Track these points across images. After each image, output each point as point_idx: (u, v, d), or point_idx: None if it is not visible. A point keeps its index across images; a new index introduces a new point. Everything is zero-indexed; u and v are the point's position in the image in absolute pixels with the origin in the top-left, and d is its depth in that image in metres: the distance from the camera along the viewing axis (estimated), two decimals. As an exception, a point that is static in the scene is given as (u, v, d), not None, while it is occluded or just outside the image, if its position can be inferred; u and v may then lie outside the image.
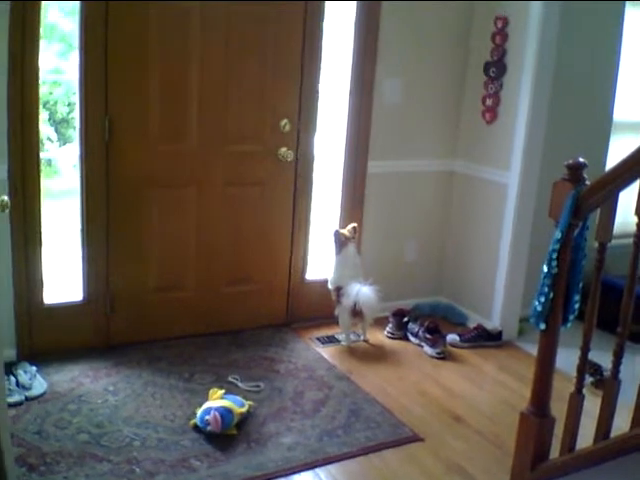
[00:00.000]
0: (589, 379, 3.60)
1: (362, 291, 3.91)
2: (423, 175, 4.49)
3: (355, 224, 4.15)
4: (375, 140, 4.22)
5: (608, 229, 2.23)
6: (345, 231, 4.10)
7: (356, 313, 3.96)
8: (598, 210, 2.28)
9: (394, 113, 4.25)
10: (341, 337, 4.11)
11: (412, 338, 4.20)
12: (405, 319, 4.27)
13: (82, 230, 3.57)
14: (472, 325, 4.33)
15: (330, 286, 4.12)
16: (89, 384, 3.34)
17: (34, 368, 3.35)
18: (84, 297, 3.65)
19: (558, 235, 2.25)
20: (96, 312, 3.66)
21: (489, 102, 4.25)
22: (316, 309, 4.22)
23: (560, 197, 2.27)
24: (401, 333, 4.25)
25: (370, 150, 4.23)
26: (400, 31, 4.12)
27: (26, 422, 2.96)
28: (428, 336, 4.06)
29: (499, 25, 4.12)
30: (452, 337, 4.18)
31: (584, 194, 2.22)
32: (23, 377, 3.22)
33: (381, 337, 4.22)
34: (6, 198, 2.57)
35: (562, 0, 3.93)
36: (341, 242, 4.06)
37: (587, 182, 2.28)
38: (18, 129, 3.26)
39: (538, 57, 3.93)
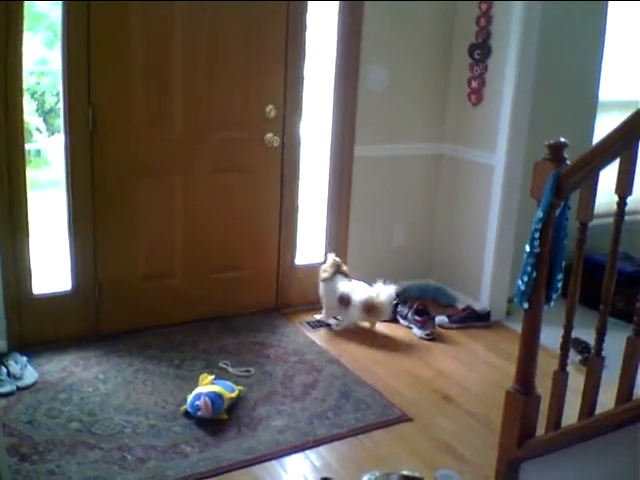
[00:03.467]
0: (577, 357, 3.65)
1: (383, 292, 3.98)
2: (410, 158, 4.50)
3: (336, 258, 4.14)
4: (361, 124, 4.23)
5: (589, 209, 2.24)
6: (327, 266, 4.10)
7: (369, 309, 3.98)
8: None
9: (380, 96, 4.25)
10: (332, 321, 4.13)
11: (401, 320, 4.23)
12: (395, 301, 4.29)
13: (69, 220, 3.57)
14: (461, 306, 4.37)
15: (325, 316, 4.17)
16: (80, 373, 3.36)
17: (25, 358, 3.36)
18: (72, 287, 3.66)
19: (540, 215, 2.26)
20: (85, 301, 3.67)
21: (474, 84, 4.25)
22: (305, 294, 4.24)
23: (541, 177, 2.28)
24: (391, 316, 4.27)
25: (357, 134, 4.23)
26: (384, 14, 4.11)
27: (18, 412, 2.98)
28: (417, 318, 4.09)
29: (483, 7, 4.12)
30: (441, 318, 4.21)
31: (565, 174, 2.23)
32: (14, 367, 3.24)
33: (374, 327, 4.23)
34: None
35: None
36: (336, 272, 4.08)
37: (568, 162, 2.29)
38: (2, 120, 3.25)
39: (522, 39, 3.93)
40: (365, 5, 4.03)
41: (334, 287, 4.06)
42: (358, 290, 4.01)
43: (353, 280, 4.10)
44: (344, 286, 4.04)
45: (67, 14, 3.31)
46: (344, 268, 4.13)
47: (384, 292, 3.99)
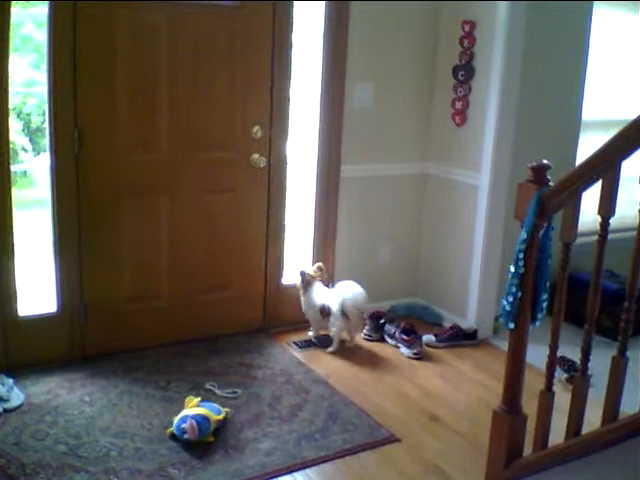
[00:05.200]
0: (563, 375, 3.66)
1: (350, 290, 3.99)
2: (396, 178, 4.52)
3: (321, 263, 4.20)
4: (347, 144, 4.25)
5: (572, 229, 2.27)
6: (311, 271, 4.14)
7: (345, 313, 3.98)
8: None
9: (365, 117, 4.28)
10: (333, 346, 4.10)
11: (389, 340, 4.23)
12: (382, 321, 4.30)
13: (54, 241, 3.56)
14: (448, 325, 4.37)
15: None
16: (65, 395, 3.33)
17: (11, 380, 3.33)
18: (58, 308, 3.63)
19: (524, 236, 2.28)
20: (70, 323, 3.65)
21: (458, 105, 4.29)
22: (293, 313, 4.23)
23: (525, 198, 2.31)
24: (378, 335, 4.28)
25: (343, 154, 4.25)
26: (369, 35, 4.15)
27: (5, 433, 2.95)
28: (404, 337, 4.10)
29: (466, 29, 4.17)
30: (428, 337, 4.21)
31: (548, 195, 2.26)
32: (0, 389, 3.20)
33: (358, 339, 4.24)
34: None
35: (529, 0, 3.99)
36: (307, 282, 4.11)
37: (551, 183, 2.31)
38: (-12, 141, 3.25)
39: (506, 59, 3.98)
40: (350, 25, 4.06)
41: (311, 300, 4.08)
42: (334, 296, 4.01)
43: (336, 284, 4.13)
44: (321, 297, 4.05)
45: (53, 36, 3.32)
46: (316, 275, 4.13)
47: (351, 291, 3.99)
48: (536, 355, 2.63)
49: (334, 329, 4.04)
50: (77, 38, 3.36)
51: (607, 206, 2.15)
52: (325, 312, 4.03)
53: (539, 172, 2.29)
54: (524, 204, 2.29)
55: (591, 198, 2.29)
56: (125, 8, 3.46)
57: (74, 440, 2.95)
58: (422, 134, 4.53)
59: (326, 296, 4.05)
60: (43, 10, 3.32)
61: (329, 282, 4.22)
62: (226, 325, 4.11)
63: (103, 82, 3.49)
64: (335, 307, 3.96)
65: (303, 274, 4.12)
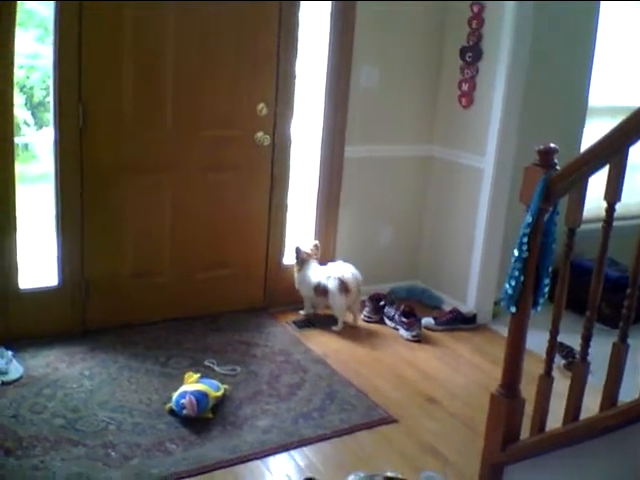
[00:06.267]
0: (561, 361, 3.67)
1: (346, 269, 4.02)
2: (400, 160, 4.51)
3: (317, 242, 4.20)
4: (352, 125, 4.23)
5: (577, 214, 2.26)
6: (307, 249, 4.13)
7: (345, 291, 3.98)
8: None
9: (371, 98, 4.25)
10: (338, 324, 4.12)
11: (388, 322, 4.24)
12: (382, 303, 4.31)
13: (56, 215, 3.55)
14: (447, 308, 4.38)
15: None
16: (65, 369, 3.34)
17: (10, 353, 3.33)
18: (59, 282, 3.63)
19: (529, 220, 2.27)
20: (71, 297, 3.65)
21: (465, 87, 4.26)
22: (293, 293, 4.22)
23: (531, 182, 2.29)
24: (378, 317, 4.28)
25: (347, 135, 4.23)
26: (376, 16, 4.11)
27: (2, 406, 2.95)
28: (404, 319, 4.10)
29: (475, 10, 4.13)
30: (427, 320, 4.22)
31: (554, 179, 2.24)
32: (-1, 362, 3.22)
33: (358, 320, 4.24)
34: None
35: (538, -15, 3.95)
36: (302, 259, 4.11)
37: (558, 167, 2.30)
38: (-8, 113, 3.23)
39: (514, 42, 3.95)
40: (357, 5, 4.03)
41: (306, 277, 4.08)
42: (331, 274, 4.02)
43: (328, 263, 4.16)
44: (316, 275, 4.05)
45: (59, 11, 3.29)
46: (312, 253, 4.13)
47: (347, 270, 4.02)
48: (535, 340, 2.62)
49: (336, 307, 4.05)
50: (83, 13, 3.32)
51: (614, 191, 2.13)
52: (320, 290, 4.03)
53: (546, 155, 2.27)
54: (530, 187, 2.27)
55: (593, 185, 2.27)
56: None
57: (72, 414, 2.96)
58: (428, 116, 4.50)
59: (322, 274, 4.04)
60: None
61: (325, 261, 4.22)
62: (226, 303, 4.12)
63: (108, 57, 3.47)
64: (332, 284, 3.96)
65: (299, 251, 4.11)
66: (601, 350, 2.28)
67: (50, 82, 3.46)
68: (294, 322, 4.13)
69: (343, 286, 3.96)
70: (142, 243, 3.80)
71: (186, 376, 3.14)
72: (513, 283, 2.32)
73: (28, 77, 4.64)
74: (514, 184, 3.90)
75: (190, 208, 3.88)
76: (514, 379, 2.47)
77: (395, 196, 4.56)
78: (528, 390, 2.50)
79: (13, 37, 3.19)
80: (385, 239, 4.59)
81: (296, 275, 4.14)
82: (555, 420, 2.39)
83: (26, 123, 4.91)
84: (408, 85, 4.39)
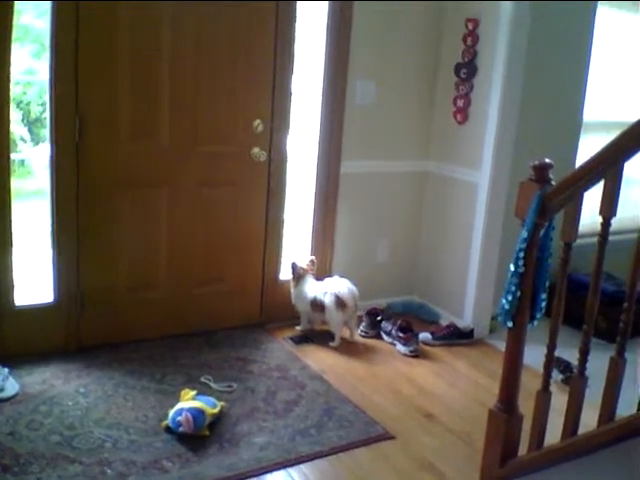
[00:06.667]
0: (559, 376, 3.66)
1: (342, 285, 4.01)
2: (396, 175, 4.52)
3: (313, 257, 4.20)
4: (348, 141, 4.24)
5: (573, 229, 2.26)
6: (303, 264, 4.13)
7: (342, 307, 3.97)
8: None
9: (367, 114, 4.27)
10: (335, 340, 4.10)
11: (385, 337, 4.23)
12: (378, 318, 4.30)
13: (52, 231, 3.55)
14: (444, 323, 4.37)
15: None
16: (60, 386, 3.32)
17: (6, 370, 3.32)
18: (55, 298, 3.62)
19: (524, 235, 2.28)
20: (67, 313, 3.64)
21: (460, 103, 4.29)
22: (290, 309, 4.22)
23: (526, 197, 2.30)
24: (374, 332, 4.28)
25: (343, 150, 4.24)
26: (372, 32, 4.14)
27: (-1, 423, 2.94)
28: (401, 335, 4.09)
29: (470, 27, 4.16)
30: (424, 335, 4.21)
31: (549, 194, 2.25)
32: (-5, 379, 3.20)
33: (355, 335, 4.23)
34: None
35: (533, 0, 3.98)
36: (299, 275, 4.11)
37: (553, 182, 2.31)
38: (-12, 129, 3.23)
39: (509, 58, 3.97)
40: (353, 21, 4.05)
41: (303, 292, 4.08)
42: (327, 290, 4.01)
43: (325, 279, 4.15)
44: (313, 290, 4.05)
45: (55, 25, 3.30)
46: (308, 269, 4.13)
47: (343, 285, 4.02)
48: (532, 355, 2.62)
49: (333, 323, 4.04)
50: (79, 27, 3.33)
51: (609, 207, 2.14)
52: (317, 306, 4.02)
53: (541, 171, 2.29)
54: (525, 202, 2.28)
55: (588, 200, 2.28)
56: (128, -1, 3.45)
57: (68, 431, 2.94)
58: (423, 131, 4.52)
59: (318, 290, 4.04)
60: (45, -2, 3.30)
61: (322, 277, 4.21)
62: (223, 319, 4.11)
63: (105, 72, 3.48)
64: (329, 300, 3.96)
65: (295, 266, 4.11)
66: (598, 364, 2.28)
67: (46, 97, 3.47)
68: (291, 338, 4.12)
69: (339, 301, 3.95)
70: (138, 259, 3.80)
71: (182, 393, 3.13)
72: (510, 298, 2.33)
73: (25, 93, 4.65)
74: (510, 199, 3.91)
75: (186, 223, 3.87)
76: (512, 394, 2.47)
77: (391, 211, 4.57)
78: (526, 405, 2.49)
79: (9, 52, 3.20)
80: (382, 254, 4.59)
81: (292, 290, 4.13)
82: (553, 435, 2.39)
83: (22, 139, 4.92)
84: (404, 100, 4.41)
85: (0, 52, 3.17)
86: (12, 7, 3.17)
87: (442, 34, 4.39)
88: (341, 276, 4.14)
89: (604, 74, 4.88)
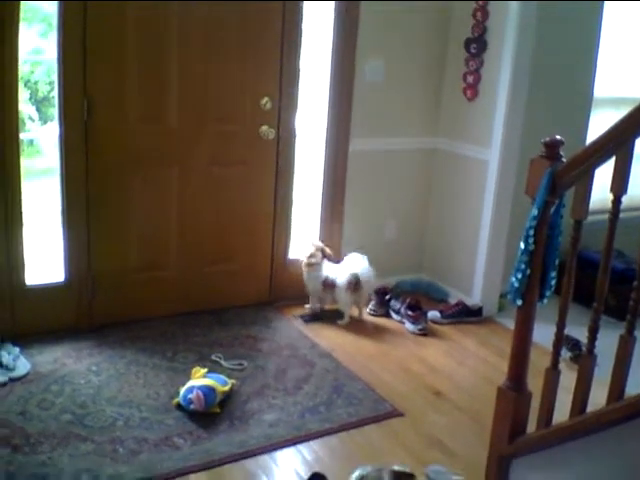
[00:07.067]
0: (567, 354, 3.66)
1: (360, 265, 4.02)
2: (405, 153, 4.50)
3: (319, 243, 4.18)
4: (357, 118, 4.22)
5: (583, 206, 2.24)
6: (314, 251, 4.11)
7: (355, 288, 3.99)
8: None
9: (376, 91, 4.24)
10: (344, 319, 4.12)
11: (394, 315, 4.24)
12: (387, 296, 4.31)
13: (62, 210, 3.56)
14: (453, 301, 4.37)
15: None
16: (72, 364, 3.35)
17: (17, 349, 3.35)
18: (66, 277, 3.64)
19: (534, 212, 2.26)
20: (78, 293, 3.66)
21: (470, 79, 4.25)
22: (299, 287, 4.22)
23: (537, 174, 2.28)
24: (383, 310, 4.28)
25: (352, 128, 4.22)
26: (381, 9, 4.09)
27: (10, 403, 2.96)
28: (410, 313, 4.10)
29: (480, 2, 4.11)
30: (433, 313, 4.22)
31: (560, 171, 2.23)
32: (6, 358, 3.22)
33: (363, 314, 4.24)
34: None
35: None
36: (324, 257, 4.11)
37: (564, 159, 2.29)
38: (-2, 108, 3.23)
39: (519, 34, 3.93)
40: (362, -2, 4.02)
41: (319, 272, 4.08)
42: (341, 272, 4.02)
43: (338, 262, 4.15)
44: (328, 270, 4.07)
45: (64, 6, 3.28)
46: (328, 251, 4.15)
47: (361, 266, 4.02)
48: (541, 333, 2.62)
49: (342, 302, 4.05)
50: (87, 8, 3.32)
51: (620, 183, 2.12)
52: (328, 284, 4.03)
53: (552, 148, 2.26)
54: (536, 180, 2.26)
55: (599, 176, 2.26)
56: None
57: (80, 409, 2.97)
58: (432, 108, 4.49)
59: (330, 269, 4.04)
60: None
61: (335, 259, 4.21)
62: (233, 297, 4.12)
63: (113, 52, 3.47)
64: (342, 280, 3.96)
65: (322, 248, 4.12)
66: (607, 342, 2.27)
67: (55, 77, 3.46)
68: (300, 316, 4.13)
69: (354, 282, 3.96)
70: (148, 237, 3.81)
71: (193, 371, 3.15)
72: (519, 276, 2.32)
73: (32, 72, 4.64)
74: (520, 176, 3.89)
75: (195, 202, 3.88)
76: (521, 372, 2.47)
77: (400, 189, 4.55)
78: (534, 383, 2.49)
79: (17, 33, 3.19)
80: (390, 232, 4.59)
81: (306, 269, 4.13)
82: (562, 413, 2.39)
83: (31, 118, 4.91)
84: (413, 77, 4.38)
85: (8, 32, 3.16)
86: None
87: (452, 8, 4.34)
88: (360, 253, 4.12)
89: (614, 50, 4.82)
